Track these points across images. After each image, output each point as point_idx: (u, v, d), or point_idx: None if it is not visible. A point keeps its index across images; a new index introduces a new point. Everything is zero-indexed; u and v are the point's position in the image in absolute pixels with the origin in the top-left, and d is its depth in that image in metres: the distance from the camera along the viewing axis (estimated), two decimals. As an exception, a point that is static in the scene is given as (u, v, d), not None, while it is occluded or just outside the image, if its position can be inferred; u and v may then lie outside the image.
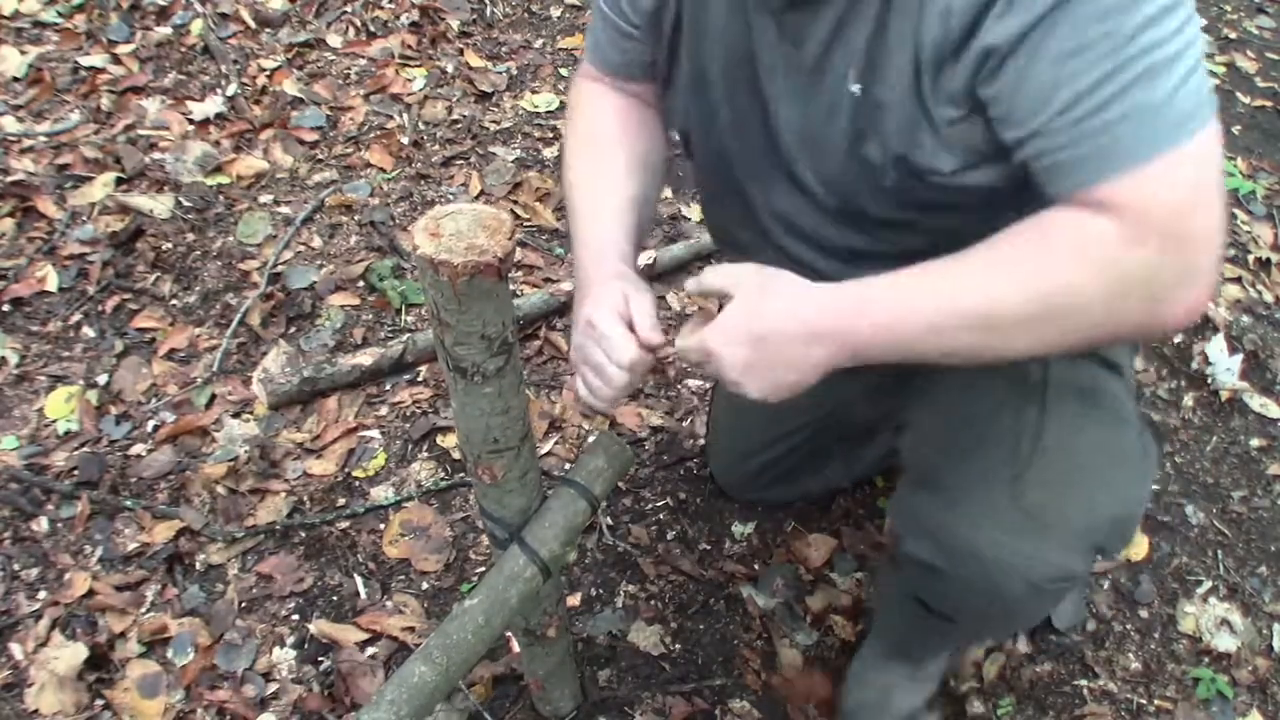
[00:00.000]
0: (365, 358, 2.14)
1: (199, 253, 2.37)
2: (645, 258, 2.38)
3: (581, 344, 1.21)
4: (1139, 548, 2.00)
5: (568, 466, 2.00)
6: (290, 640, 1.78)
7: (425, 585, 1.87)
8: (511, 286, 2.38)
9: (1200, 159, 0.90)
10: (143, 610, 1.80)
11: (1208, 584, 1.97)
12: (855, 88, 1.03)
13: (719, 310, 1.08)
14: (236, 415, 2.08)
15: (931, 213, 1.10)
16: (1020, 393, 1.19)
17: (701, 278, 1.12)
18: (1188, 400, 2.28)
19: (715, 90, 1.20)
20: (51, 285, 2.25)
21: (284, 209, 2.49)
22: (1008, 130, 0.96)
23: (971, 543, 1.17)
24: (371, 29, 3.02)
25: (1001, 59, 0.91)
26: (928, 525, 1.24)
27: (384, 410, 2.13)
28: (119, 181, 2.46)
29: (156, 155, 2.55)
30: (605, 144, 1.34)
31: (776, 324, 1.02)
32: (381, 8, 3.08)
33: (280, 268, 2.35)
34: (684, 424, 2.15)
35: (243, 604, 1.82)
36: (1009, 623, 1.39)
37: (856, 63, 1.02)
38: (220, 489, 1.96)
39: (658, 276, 2.41)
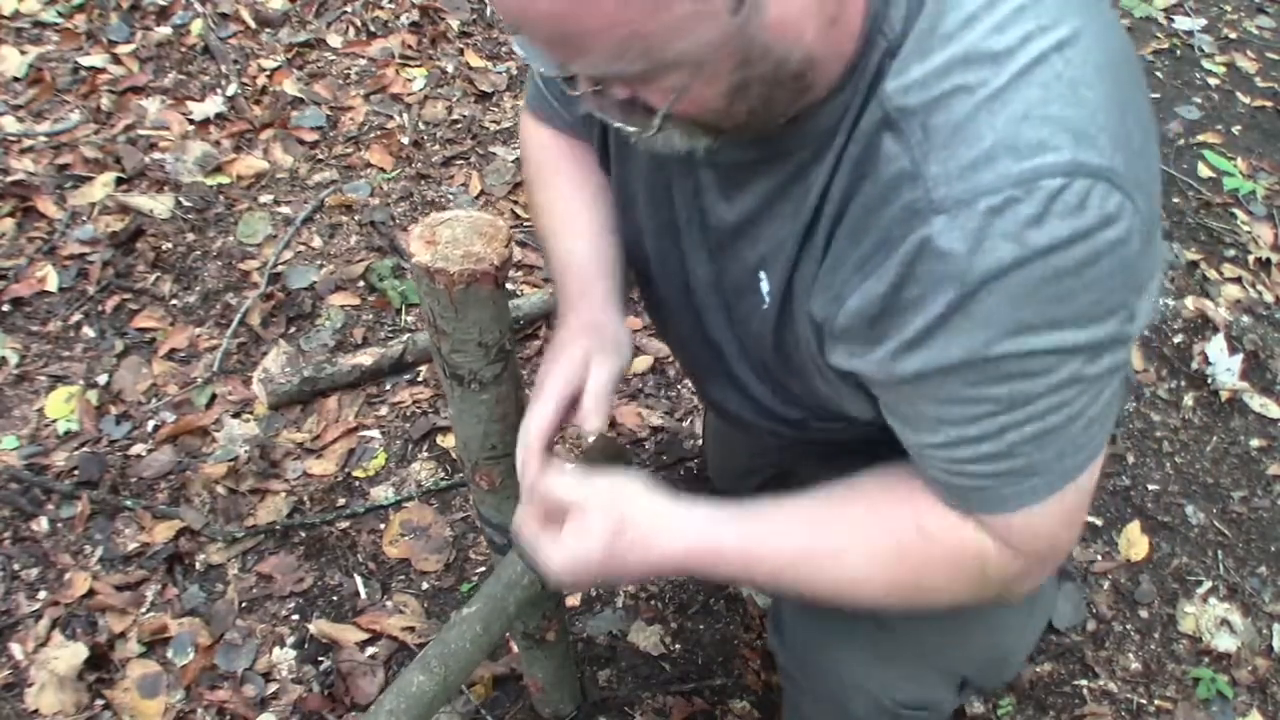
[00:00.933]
0: (365, 358, 2.15)
1: (199, 253, 2.37)
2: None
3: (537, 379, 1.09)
4: (1139, 548, 2.00)
5: (567, 467, 2.00)
6: (290, 640, 1.78)
7: (425, 585, 1.87)
8: (511, 286, 2.38)
9: (1079, 491, 0.88)
10: (143, 610, 1.80)
11: (1208, 584, 1.97)
12: (764, 284, 0.96)
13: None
14: (236, 415, 2.09)
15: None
16: None
17: (551, 485, 0.98)
18: (1188, 400, 2.28)
19: (640, 214, 1.12)
20: (51, 285, 2.25)
21: (284, 209, 2.49)
22: (888, 418, 0.91)
23: (827, 660, 1.13)
24: (371, 29, 3.02)
25: (893, 381, 0.85)
26: (791, 629, 1.19)
27: (384, 410, 2.13)
28: (119, 181, 2.46)
29: (156, 155, 2.55)
30: (567, 174, 1.19)
31: (626, 567, 0.95)
32: (381, 8, 3.08)
33: (280, 268, 2.35)
34: (684, 424, 2.16)
35: (243, 604, 1.82)
36: None
37: (771, 260, 0.94)
38: (220, 489, 1.96)
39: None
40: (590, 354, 1.02)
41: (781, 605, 1.24)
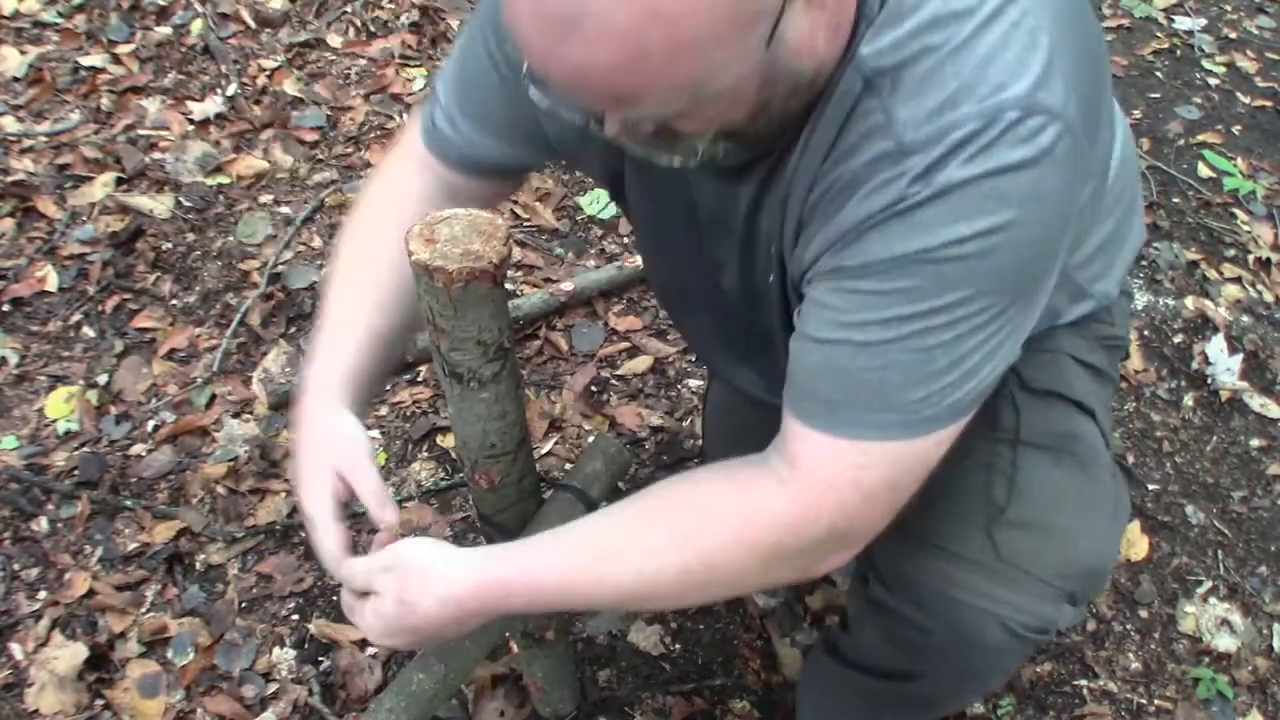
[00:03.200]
0: (365, 358, 2.14)
1: (199, 253, 2.37)
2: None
3: (300, 508, 1.16)
4: (1139, 548, 2.00)
5: (568, 467, 2.00)
6: (290, 640, 1.78)
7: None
8: (511, 286, 2.38)
9: (920, 457, 0.93)
10: (143, 610, 1.80)
11: (1208, 584, 1.97)
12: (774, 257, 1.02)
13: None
14: (236, 415, 2.09)
15: None
16: (992, 440, 1.16)
17: (350, 569, 1.06)
18: (1188, 400, 2.28)
19: (662, 227, 1.18)
20: (51, 285, 2.25)
21: (284, 209, 2.49)
22: (797, 322, 0.96)
23: (948, 589, 1.13)
24: (371, 29, 3.02)
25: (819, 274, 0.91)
26: (901, 572, 1.18)
27: (384, 410, 2.13)
28: (119, 181, 2.46)
29: (156, 155, 2.55)
30: (383, 254, 1.16)
31: (423, 615, 1.01)
32: (381, 8, 3.08)
33: (280, 268, 2.35)
34: (684, 424, 2.16)
35: (243, 604, 1.82)
36: (973, 681, 1.31)
37: (773, 232, 1.00)
38: (220, 489, 1.96)
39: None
40: (340, 466, 1.08)
41: (878, 552, 1.19)
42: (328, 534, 1.08)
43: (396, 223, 1.11)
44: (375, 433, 2.08)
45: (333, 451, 1.09)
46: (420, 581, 1.00)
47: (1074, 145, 0.82)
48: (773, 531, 0.94)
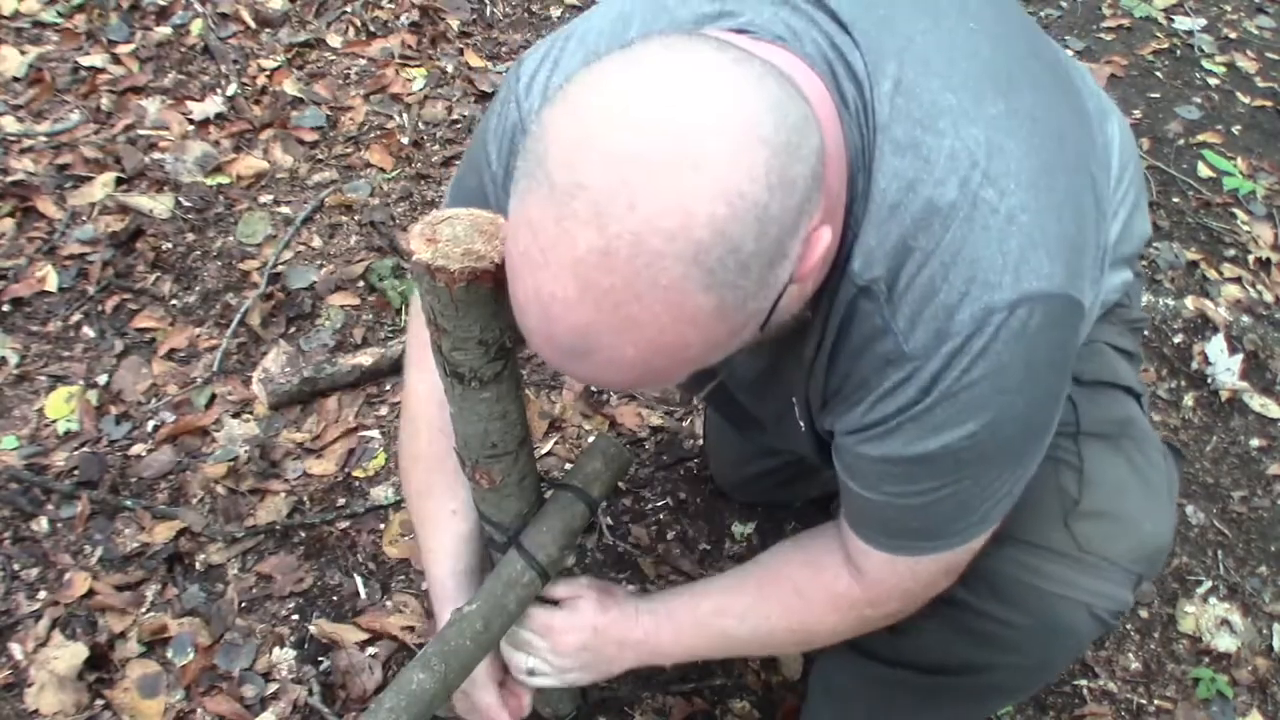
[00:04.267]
0: (365, 358, 2.15)
1: (199, 253, 2.37)
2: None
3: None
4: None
5: (568, 467, 2.00)
6: (290, 640, 1.78)
7: (425, 585, 1.87)
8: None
9: (969, 552, 1.08)
10: (143, 610, 1.80)
11: (1208, 584, 1.97)
12: (797, 409, 1.12)
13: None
14: (236, 415, 2.09)
15: None
16: (1056, 435, 1.15)
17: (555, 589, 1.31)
18: (1188, 400, 2.28)
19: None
20: (51, 285, 2.25)
21: (284, 209, 2.49)
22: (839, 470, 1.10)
23: (1036, 581, 1.17)
24: (371, 29, 3.02)
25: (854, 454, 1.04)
26: (978, 568, 1.19)
27: (384, 410, 2.13)
28: (119, 181, 2.46)
29: (156, 155, 2.55)
30: (442, 468, 1.31)
31: (605, 624, 1.28)
32: (381, 8, 3.08)
33: (280, 268, 2.35)
34: (684, 424, 2.16)
35: (243, 604, 1.82)
36: (1048, 670, 1.36)
37: (794, 390, 1.10)
38: (220, 489, 1.96)
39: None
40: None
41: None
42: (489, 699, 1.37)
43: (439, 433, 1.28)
44: (375, 433, 2.09)
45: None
46: (613, 605, 1.30)
47: (1066, 302, 0.90)
48: (854, 609, 1.15)
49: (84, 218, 2.38)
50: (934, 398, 0.90)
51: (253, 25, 2.91)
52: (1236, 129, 3.04)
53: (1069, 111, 1.02)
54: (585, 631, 1.27)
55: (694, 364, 0.81)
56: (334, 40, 2.96)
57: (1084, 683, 1.82)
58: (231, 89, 2.74)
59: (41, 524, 1.89)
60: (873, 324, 0.91)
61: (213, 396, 2.11)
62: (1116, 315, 1.31)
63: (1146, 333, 2.39)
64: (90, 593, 1.80)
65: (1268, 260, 2.61)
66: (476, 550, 1.33)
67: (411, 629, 1.79)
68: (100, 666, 1.72)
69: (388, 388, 2.17)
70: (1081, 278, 0.93)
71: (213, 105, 2.69)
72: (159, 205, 2.42)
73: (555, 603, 1.30)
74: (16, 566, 1.84)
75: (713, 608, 1.24)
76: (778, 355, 1.08)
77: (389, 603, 1.84)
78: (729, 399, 1.28)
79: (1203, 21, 3.49)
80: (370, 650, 1.77)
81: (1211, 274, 2.56)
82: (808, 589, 1.17)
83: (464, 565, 1.32)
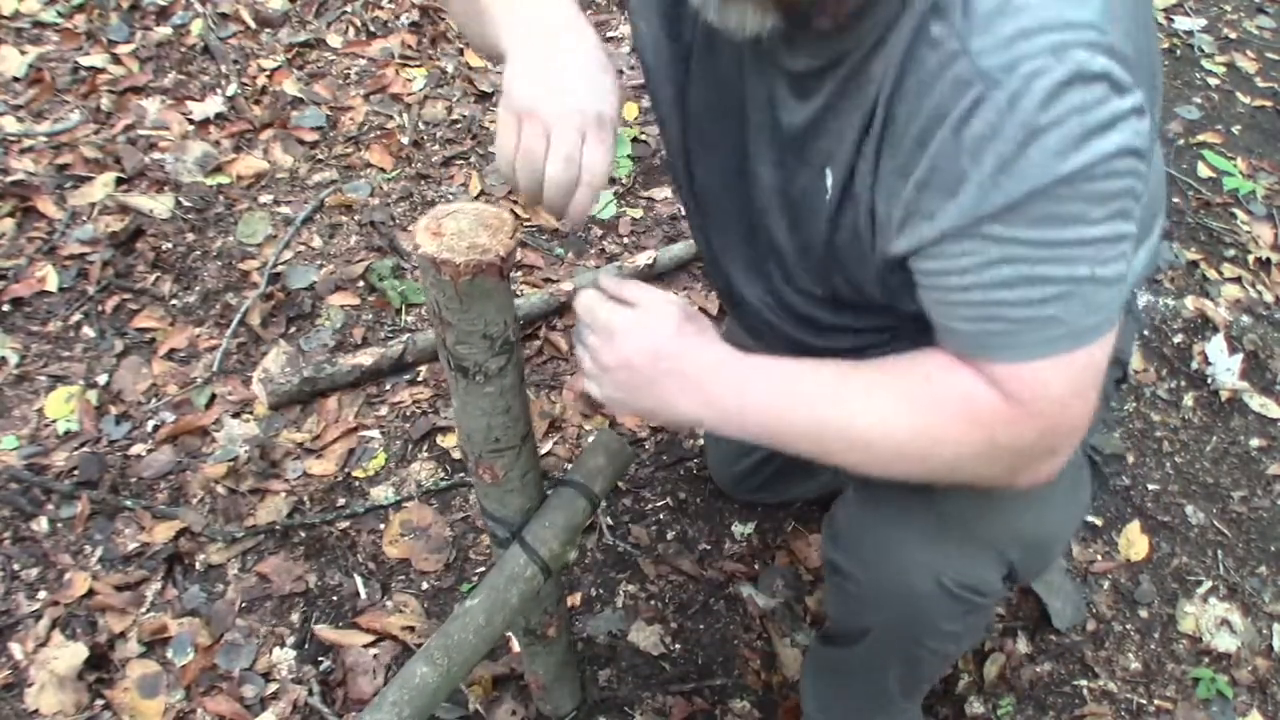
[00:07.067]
0: (365, 358, 2.14)
1: (199, 253, 2.37)
2: (645, 258, 2.38)
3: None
4: (1139, 548, 2.00)
5: (568, 466, 2.00)
6: (290, 640, 1.78)
7: (425, 585, 1.87)
8: (512, 286, 2.38)
9: (1092, 362, 0.94)
10: (143, 610, 1.80)
11: (1208, 584, 1.97)
12: (829, 178, 1.02)
13: None
14: (236, 415, 2.08)
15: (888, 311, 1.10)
16: None
17: (630, 286, 1.08)
18: (1188, 400, 2.28)
19: (701, 129, 1.17)
20: (51, 285, 2.25)
21: (284, 209, 2.49)
22: (919, 289, 0.99)
23: (886, 544, 1.18)
24: (371, 29, 3.02)
25: (934, 240, 0.92)
26: (850, 531, 1.24)
27: (384, 410, 2.13)
28: (119, 181, 2.46)
29: (156, 155, 2.55)
30: None
31: (676, 350, 1.03)
32: (381, 8, 3.08)
33: (280, 268, 2.35)
34: (684, 424, 2.15)
35: (243, 604, 1.82)
36: (922, 646, 1.33)
37: (835, 154, 1.00)
38: (220, 489, 1.96)
39: (658, 276, 2.41)
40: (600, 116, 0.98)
41: (837, 511, 1.29)
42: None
43: None
44: (375, 433, 2.08)
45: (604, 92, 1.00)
46: (694, 332, 1.04)
47: (1132, 84, 0.84)
48: (986, 426, 0.96)
49: (84, 218, 2.38)
50: (1017, 120, 0.82)
51: (253, 25, 2.91)
52: (1236, 129, 3.05)
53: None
54: (647, 351, 1.04)
55: None
56: (334, 40, 2.96)
57: (1084, 683, 1.82)
58: (231, 89, 2.74)
59: (41, 524, 1.89)
60: (947, 48, 0.85)
61: (213, 396, 2.11)
62: None
63: (1146, 333, 2.39)
64: (90, 593, 1.80)
65: (1268, 260, 2.61)
66: None
67: (412, 629, 1.79)
68: (100, 666, 1.72)
69: (388, 388, 2.16)
70: (1148, 112, 0.88)
71: (213, 105, 2.69)
72: (159, 205, 2.42)
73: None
74: (16, 566, 1.83)
75: (833, 373, 1.03)
76: (834, 97, 0.97)
77: (389, 603, 1.83)
78: (739, 153, 1.13)
79: (1203, 21, 3.49)
80: (371, 650, 1.76)
81: (1211, 274, 2.56)
82: (940, 380, 0.98)
83: None
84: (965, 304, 0.94)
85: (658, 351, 1.03)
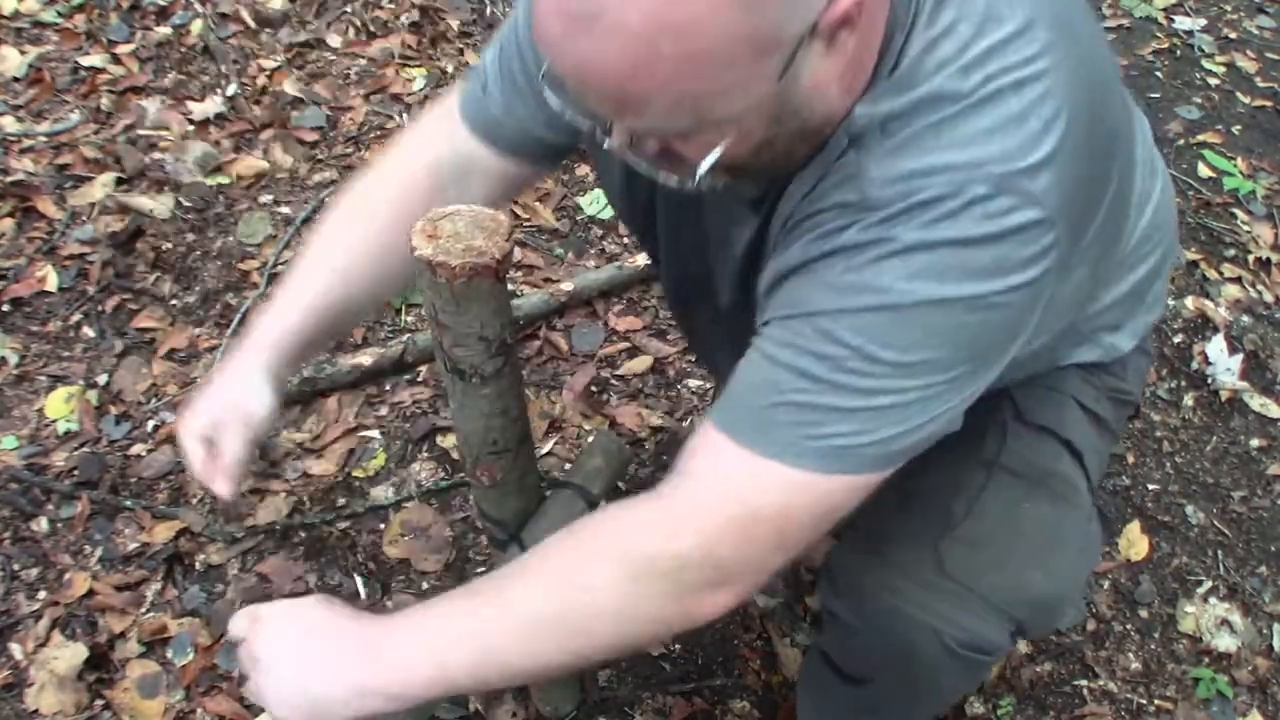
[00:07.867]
0: (365, 358, 2.14)
1: (199, 253, 2.37)
2: (645, 258, 2.38)
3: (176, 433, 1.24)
4: (1139, 548, 2.00)
5: (567, 467, 2.00)
6: (290, 640, 1.78)
7: (425, 585, 1.87)
8: (511, 287, 2.38)
9: (819, 497, 0.89)
10: (143, 610, 1.80)
11: (1208, 584, 1.97)
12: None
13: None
14: (236, 415, 2.08)
15: None
16: (972, 462, 1.16)
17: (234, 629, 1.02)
18: (1188, 400, 2.28)
19: (679, 239, 1.21)
20: (51, 285, 2.25)
21: (284, 209, 2.49)
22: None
23: (888, 599, 1.13)
24: (371, 29, 3.02)
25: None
26: (849, 580, 1.19)
27: (384, 410, 2.13)
28: (119, 181, 2.46)
29: (156, 155, 2.55)
30: (371, 220, 1.19)
31: (325, 613, 0.99)
32: (381, 8, 3.08)
33: (280, 268, 2.35)
34: (684, 424, 2.15)
35: (243, 604, 1.82)
36: (923, 697, 1.30)
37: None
38: (220, 489, 1.96)
39: (658, 277, 2.40)
40: (219, 427, 1.15)
41: (835, 558, 1.26)
42: (194, 456, 1.17)
43: (400, 190, 1.18)
44: (375, 433, 2.08)
45: (226, 409, 1.16)
46: (325, 642, 0.97)
47: (1050, 235, 0.82)
48: (645, 539, 0.90)
49: (84, 218, 2.38)
50: (882, 248, 0.82)
51: (253, 25, 2.91)
52: (1236, 129, 3.05)
53: (1125, 139, 0.99)
54: (297, 626, 0.99)
55: (698, 74, 0.73)
56: (334, 40, 2.96)
57: (1084, 683, 1.82)
58: (231, 89, 2.74)
59: (41, 524, 1.89)
60: (846, 172, 0.85)
61: (213, 396, 2.11)
62: (1101, 379, 1.25)
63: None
64: (90, 593, 1.80)
65: (1268, 260, 2.61)
66: (328, 327, 1.22)
67: (411, 628, 1.79)
68: (100, 666, 1.72)
69: (388, 388, 2.17)
70: (1077, 236, 0.87)
71: (213, 105, 2.69)
72: (159, 205, 2.42)
73: None
74: (16, 566, 1.83)
75: (465, 591, 0.98)
76: (765, 220, 1.00)
77: (389, 603, 1.84)
78: (702, 264, 1.18)
79: (1203, 21, 3.49)
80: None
81: (1211, 274, 2.56)
82: (581, 529, 0.95)
83: (306, 327, 1.19)
84: (757, 349, 0.92)
85: (306, 618, 0.99)
